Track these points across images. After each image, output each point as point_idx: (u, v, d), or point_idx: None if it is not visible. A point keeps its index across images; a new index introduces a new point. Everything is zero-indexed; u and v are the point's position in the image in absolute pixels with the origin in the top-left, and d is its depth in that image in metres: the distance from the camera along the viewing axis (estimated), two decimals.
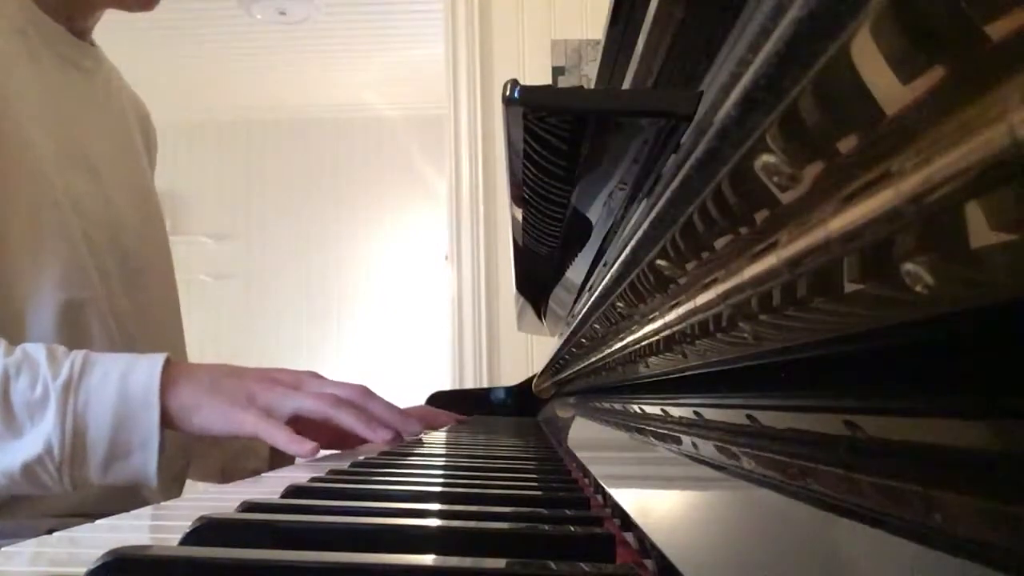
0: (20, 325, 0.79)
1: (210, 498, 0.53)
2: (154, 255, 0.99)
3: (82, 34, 0.94)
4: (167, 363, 0.73)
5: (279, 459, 0.99)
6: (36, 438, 0.68)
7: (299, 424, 0.75)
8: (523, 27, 2.28)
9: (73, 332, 0.81)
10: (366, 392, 0.81)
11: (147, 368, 0.72)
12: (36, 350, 0.70)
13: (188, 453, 0.96)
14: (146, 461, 0.71)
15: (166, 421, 0.72)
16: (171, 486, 0.92)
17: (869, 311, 0.16)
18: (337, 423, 0.76)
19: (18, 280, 0.79)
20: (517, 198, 0.48)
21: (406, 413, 0.85)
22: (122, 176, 0.96)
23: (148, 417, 0.71)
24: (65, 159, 0.86)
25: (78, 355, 0.71)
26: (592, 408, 0.79)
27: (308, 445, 0.72)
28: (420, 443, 0.86)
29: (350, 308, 4.54)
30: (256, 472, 0.86)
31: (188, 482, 1.00)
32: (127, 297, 0.91)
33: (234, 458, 1.00)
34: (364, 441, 0.83)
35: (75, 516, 0.77)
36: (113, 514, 0.43)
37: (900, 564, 0.14)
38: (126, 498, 0.84)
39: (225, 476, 1.00)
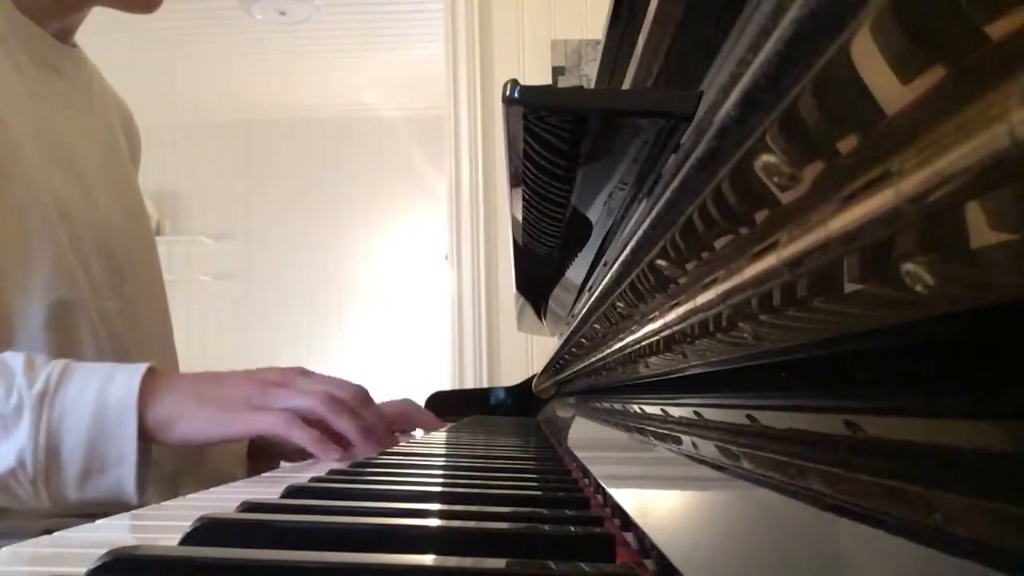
0: (9, 327, 0.79)
1: (210, 498, 0.53)
2: (140, 256, 0.98)
3: (64, 36, 0.94)
4: (149, 374, 0.71)
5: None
6: (8, 451, 0.66)
7: None
8: (523, 27, 2.28)
9: (62, 334, 0.81)
10: (361, 395, 0.79)
11: (126, 381, 0.69)
12: (14, 359, 0.68)
13: (181, 457, 0.95)
14: (123, 476, 0.69)
15: (146, 435, 0.70)
16: (166, 488, 0.91)
17: (869, 311, 0.16)
18: (331, 425, 0.74)
19: (6, 282, 0.79)
20: (517, 198, 0.48)
21: (389, 410, 0.85)
22: (107, 178, 0.95)
23: (124, 432, 0.68)
24: (50, 162, 0.86)
25: (57, 365, 0.69)
26: (592, 408, 0.78)
27: (334, 452, 0.71)
28: (420, 443, 0.86)
29: (350, 308, 4.54)
30: None
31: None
32: (114, 298, 0.90)
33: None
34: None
35: (73, 516, 0.77)
36: (111, 515, 0.43)
37: (900, 564, 0.14)
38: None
39: None
